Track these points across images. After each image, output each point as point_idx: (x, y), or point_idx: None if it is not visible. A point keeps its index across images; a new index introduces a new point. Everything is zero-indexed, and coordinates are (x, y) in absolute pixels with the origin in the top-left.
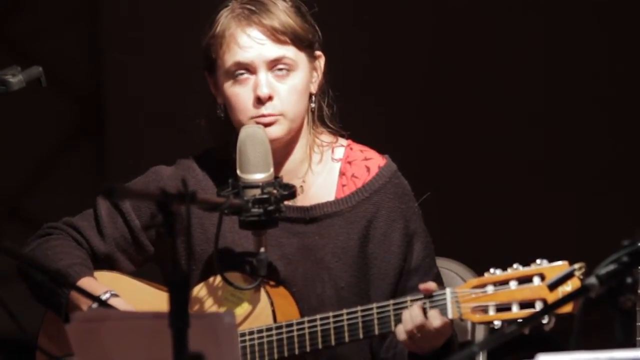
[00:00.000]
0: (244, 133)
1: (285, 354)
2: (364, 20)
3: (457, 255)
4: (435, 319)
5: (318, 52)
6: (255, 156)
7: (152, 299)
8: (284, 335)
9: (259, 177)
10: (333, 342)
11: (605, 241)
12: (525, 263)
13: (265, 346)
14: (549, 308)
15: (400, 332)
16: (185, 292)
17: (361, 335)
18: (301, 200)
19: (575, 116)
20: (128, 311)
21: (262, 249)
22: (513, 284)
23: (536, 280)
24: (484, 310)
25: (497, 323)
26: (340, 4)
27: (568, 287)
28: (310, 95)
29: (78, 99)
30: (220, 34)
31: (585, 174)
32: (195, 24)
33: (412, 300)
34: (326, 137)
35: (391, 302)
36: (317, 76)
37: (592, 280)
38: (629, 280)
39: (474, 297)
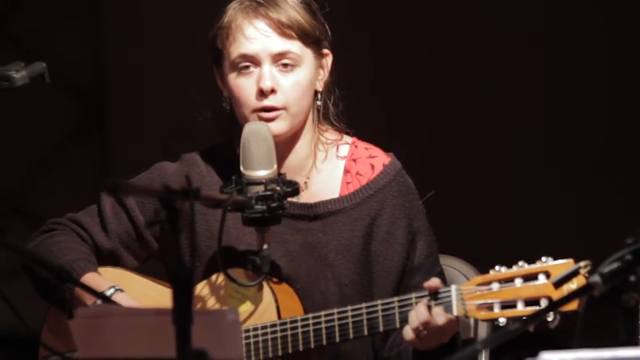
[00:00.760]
0: (247, 130)
1: (290, 350)
2: (369, 20)
3: (460, 253)
4: (439, 316)
5: (326, 50)
6: (259, 153)
7: (156, 295)
8: (288, 332)
9: (262, 173)
10: (337, 339)
11: (608, 239)
12: (528, 261)
13: (270, 343)
14: (553, 305)
15: (407, 331)
16: (189, 289)
17: (366, 332)
18: (305, 197)
19: (575, 116)
20: (131, 307)
21: (265, 246)
22: (518, 282)
23: (541, 277)
24: (489, 307)
25: (502, 320)
26: (346, 3)
27: (573, 285)
28: (316, 92)
29: (80, 96)
30: (227, 25)
31: (587, 171)
32: (198, 20)
33: (417, 297)
34: (331, 135)
35: (396, 299)
36: (324, 74)
37: (596, 278)
38: (632, 278)
39: (479, 294)
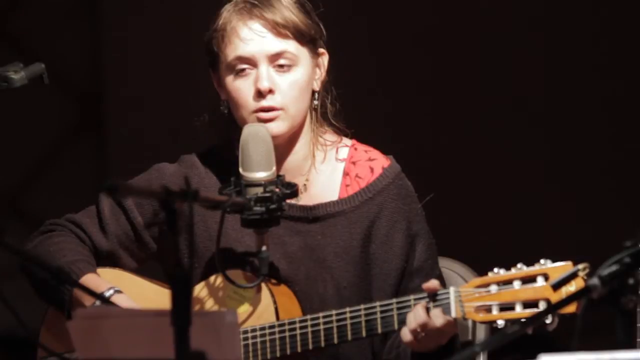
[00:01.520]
0: (246, 131)
1: (288, 352)
2: (369, 19)
3: (459, 255)
4: (437, 318)
5: (321, 50)
6: (258, 154)
7: (155, 296)
8: (287, 334)
9: (261, 175)
10: (336, 340)
11: (607, 242)
12: (526, 263)
13: (268, 344)
14: (552, 308)
15: (405, 333)
16: (187, 290)
17: (364, 334)
18: (304, 199)
19: (576, 116)
20: (130, 309)
21: (264, 248)
22: (517, 284)
23: (540, 280)
24: (488, 309)
25: (501, 322)
26: (345, 3)
27: (572, 288)
28: (314, 92)
29: (78, 96)
30: (222, 27)
31: (586, 173)
32: (196, 21)
33: (415, 299)
34: (330, 136)
35: (394, 300)
36: (321, 73)
37: (594, 281)
38: (630, 281)
39: (477, 296)
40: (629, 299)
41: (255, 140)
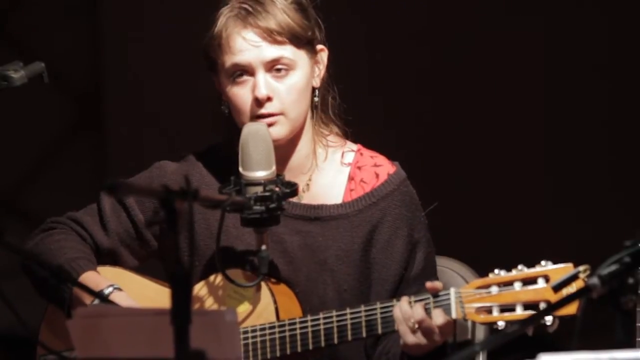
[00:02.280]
0: (246, 130)
1: (288, 352)
2: (369, 18)
3: (460, 255)
4: (438, 317)
5: (320, 46)
6: (258, 154)
7: (155, 294)
8: (287, 333)
9: (261, 174)
10: (336, 341)
11: (607, 243)
12: (527, 264)
13: (268, 344)
14: (551, 308)
15: (406, 334)
16: (187, 289)
17: (364, 334)
18: (307, 199)
19: (576, 117)
20: (130, 307)
21: (264, 247)
22: (517, 285)
23: (541, 282)
24: (488, 310)
25: (501, 324)
26: (346, 3)
27: (572, 289)
28: (314, 89)
29: (77, 95)
30: (217, 35)
31: (586, 174)
32: (195, 21)
33: (416, 300)
34: (333, 138)
35: (395, 301)
36: (320, 70)
37: (594, 280)
38: (630, 280)
39: (478, 297)
40: (629, 298)
41: (255, 139)
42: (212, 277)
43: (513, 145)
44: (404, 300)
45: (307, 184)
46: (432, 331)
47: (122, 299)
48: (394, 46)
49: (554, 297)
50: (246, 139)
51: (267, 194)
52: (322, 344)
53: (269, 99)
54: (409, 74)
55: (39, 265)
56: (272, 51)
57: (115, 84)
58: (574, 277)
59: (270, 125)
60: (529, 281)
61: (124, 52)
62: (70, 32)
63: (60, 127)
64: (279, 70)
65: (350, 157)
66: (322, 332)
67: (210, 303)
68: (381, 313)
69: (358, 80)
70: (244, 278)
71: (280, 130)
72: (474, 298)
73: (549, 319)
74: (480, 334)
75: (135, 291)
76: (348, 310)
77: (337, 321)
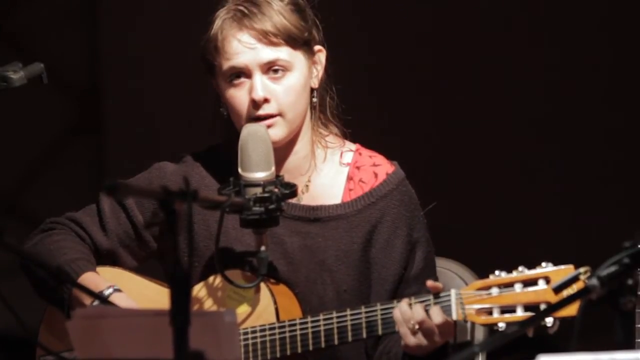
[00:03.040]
0: (245, 131)
1: (288, 352)
2: (370, 18)
3: (460, 257)
4: (437, 316)
5: (317, 47)
6: (257, 155)
7: (154, 295)
8: (287, 334)
9: (260, 175)
10: (336, 342)
11: (608, 245)
12: (528, 266)
13: (268, 345)
14: (550, 309)
15: (404, 334)
16: (187, 290)
17: (364, 335)
18: (306, 200)
19: (576, 118)
20: (129, 308)
21: (263, 248)
22: (518, 287)
23: (541, 283)
24: (489, 312)
25: (502, 325)
26: (345, 4)
27: (573, 291)
28: (312, 90)
29: (77, 96)
30: (213, 38)
31: (586, 175)
32: (195, 22)
33: (417, 301)
34: (332, 139)
35: (395, 302)
36: (318, 71)
37: (594, 281)
38: (629, 281)
39: (478, 298)
40: (628, 299)
41: (255, 140)
42: (211, 278)
43: (513, 145)
44: (404, 301)
45: (306, 185)
46: (432, 332)
47: (121, 300)
48: (393, 46)
49: (554, 299)
50: (245, 140)
51: (266, 195)
52: (322, 344)
53: (266, 100)
54: (408, 74)
55: (38, 266)
56: (268, 53)
57: (115, 85)
58: (574, 279)
59: (268, 127)
60: (529, 283)
61: (124, 53)
62: (69, 32)
63: (59, 128)
64: (275, 71)
65: (349, 157)
66: (322, 333)
67: (209, 304)
68: (381, 314)
69: (357, 81)
70: (244, 279)
71: (278, 131)
72: (475, 299)
73: (549, 321)
74: (480, 334)
75: (135, 292)
76: (348, 311)
77: (337, 322)
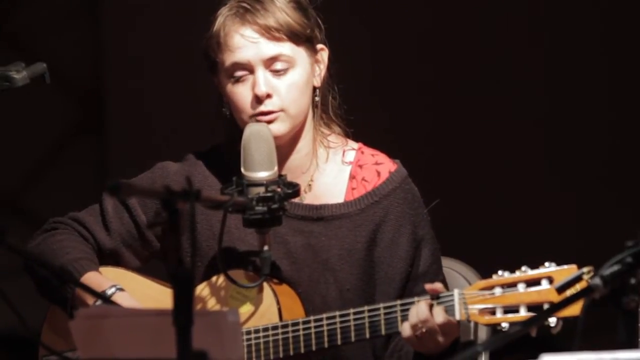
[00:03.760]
0: (248, 131)
1: (291, 352)
2: (370, 18)
3: (463, 257)
4: (438, 315)
5: (320, 46)
6: (260, 154)
7: (158, 294)
8: (290, 334)
9: (263, 175)
10: (339, 342)
11: (611, 244)
12: (531, 266)
13: (271, 344)
14: (553, 308)
15: (405, 328)
16: (189, 290)
17: (368, 335)
18: (309, 199)
19: (577, 118)
20: (132, 308)
21: (266, 247)
22: (521, 287)
23: (544, 283)
24: (492, 312)
25: (505, 325)
26: (347, 5)
27: (576, 291)
28: (314, 88)
29: (79, 96)
30: (216, 34)
31: (588, 175)
32: (196, 22)
33: (419, 301)
34: (334, 138)
35: (398, 302)
36: (320, 69)
37: (596, 281)
38: (632, 281)
39: (481, 298)
40: (631, 298)
41: (257, 139)
42: (214, 278)
43: (516, 145)
44: (425, 302)
45: (309, 184)
46: (435, 331)
47: (124, 300)
48: (396, 46)
49: (557, 299)
50: (248, 140)
51: (269, 194)
52: (326, 345)
53: (268, 96)
54: (409, 73)
55: (41, 265)
56: (271, 48)
57: (117, 85)
58: (578, 279)
59: (270, 122)
60: (532, 282)
61: (126, 53)
62: (72, 32)
63: (62, 128)
64: (278, 68)
65: (351, 156)
66: (325, 333)
67: (212, 304)
68: (384, 314)
69: (359, 80)
70: (247, 279)
71: (281, 126)
72: (478, 299)
73: (552, 321)
74: (483, 334)
75: (138, 291)
76: (351, 311)
77: (341, 322)
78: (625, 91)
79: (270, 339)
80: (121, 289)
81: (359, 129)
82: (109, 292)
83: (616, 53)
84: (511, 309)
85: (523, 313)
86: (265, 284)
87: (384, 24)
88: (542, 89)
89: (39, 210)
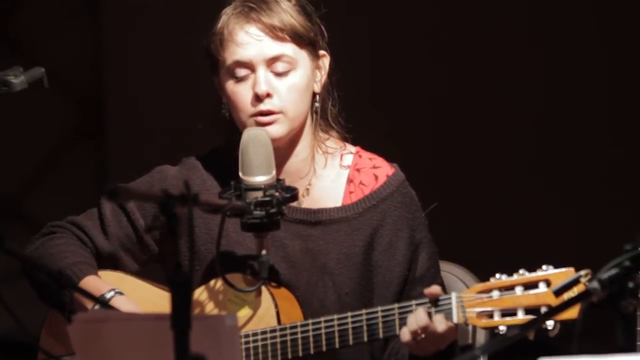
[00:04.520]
0: (246, 135)
1: (289, 356)
2: (369, 19)
3: (461, 260)
4: (440, 323)
5: (322, 52)
6: (258, 158)
7: (156, 298)
8: (288, 338)
9: (261, 179)
10: (337, 345)
11: (609, 248)
12: (528, 269)
13: (269, 348)
14: (552, 312)
15: (405, 333)
16: (187, 294)
17: (365, 339)
18: (307, 203)
19: (576, 120)
20: (130, 312)
21: (264, 252)
22: (519, 290)
23: (542, 286)
24: (489, 315)
25: (503, 328)
26: (346, 4)
27: (574, 294)
28: (314, 94)
29: (78, 99)
30: (219, 32)
31: (587, 178)
32: (196, 25)
33: (417, 305)
34: (332, 143)
35: (396, 305)
36: (321, 75)
37: (594, 284)
38: (630, 284)
39: (479, 302)
40: (629, 302)
41: (255, 144)
42: (212, 282)
43: (514, 148)
44: (423, 309)
45: (307, 189)
46: (435, 337)
47: (123, 304)
48: (395, 48)
49: (555, 302)
50: (246, 144)
51: (267, 198)
52: (324, 348)
53: (268, 95)
54: (408, 74)
55: (39, 270)
56: (274, 47)
57: (117, 88)
58: (575, 282)
59: (269, 123)
60: (530, 285)
61: (126, 57)
62: (71, 36)
63: (61, 132)
64: (279, 69)
65: (349, 160)
66: (323, 337)
67: (210, 308)
68: (382, 317)
69: (359, 82)
70: (245, 283)
71: (280, 129)
72: (475, 302)
73: (550, 324)
74: (481, 338)
75: (137, 295)
76: (349, 315)
77: (339, 325)
78: (625, 91)
79: (269, 342)
80: (120, 293)
81: (357, 131)
82: (108, 296)
83: (616, 53)
84: (509, 312)
85: (521, 316)
86: (263, 288)
87: (383, 26)
88: (541, 90)
89: (38, 214)
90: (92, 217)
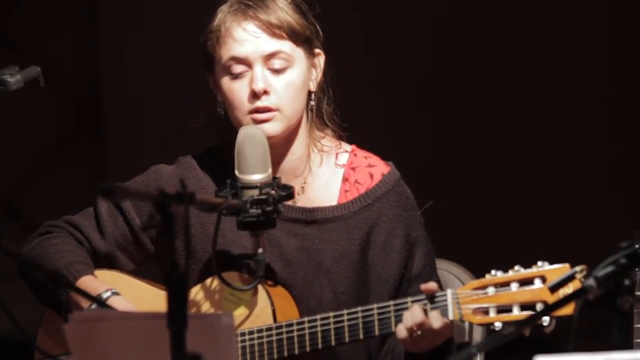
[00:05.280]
0: (242, 134)
1: (285, 353)
2: (368, 19)
3: (456, 257)
4: (436, 320)
5: (317, 50)
6: (254, 157)
7: (152, 297)
8: (284, 335)
9: (257, 177)
10: (333, 342)
11: (605, 242)
12: (524, 265)
13: (265, 346)
14: (547, 309)
15: (401, 330)
16: (184, 293)
17: (361, 336)
18: (302, 202)
19: (574, 117)
20: (126, 311)
21: (260, 250)
22: (514, 286)
23: (537, 282)
24: (485, 311)
25: (498, 325)
26: (345, 4)
27: (569, 290)
28: (310, 93)
29: (76, 99)
30: (216, 28)
31: (585, 174)
32: (194, 24)
33: (413, 302)
34: (327, 142)
35: (392, 302)
36: (317, 74)
37: (590, 281)
38: (626, 282)
39: (474, 298)
40: (625, 300)
41: (251, 142)
42: (208, 281)
43: (511, 146)
44: (419, 306)
45: (302, 187)
46: (430, 333)
47: (119, 303)
48: (392, 46)
49: (550, 298)
50: (242, 142)
51: (263, 197)
52: (320, 345)
53: (265, 92)
54: (405, 74)
55: (36, 269)
56: (271, 44)
57: (114, 87)
58: (570, 278)
59: (265, 121)
60: (525, 282)
61: (123, 56)
62: (69, 35)
63: (58, 131)
64: (276, 66)
65: (344, 158)
66: (319, 334)
67: (207, 306)
68: (378, 315)
69: (356, 81)
70: (241, 281)
71: (276, 126)
72: (471, 299)
73: (545, 320)
74: (478, 335)
75: (133, 295)
76: (345, 312)
77: (334, 323)
78: (625, 91)
79: (265, 340)
80: (116, 293)
81: (354, 130)
82: (104, 295)
83: (617, 53)
84: (504, 309)
85: (516, 312)
86: (259, 286)
87: (380, 25)
88: (541, 89)
89: (35, 214)
90: (88, 216)
